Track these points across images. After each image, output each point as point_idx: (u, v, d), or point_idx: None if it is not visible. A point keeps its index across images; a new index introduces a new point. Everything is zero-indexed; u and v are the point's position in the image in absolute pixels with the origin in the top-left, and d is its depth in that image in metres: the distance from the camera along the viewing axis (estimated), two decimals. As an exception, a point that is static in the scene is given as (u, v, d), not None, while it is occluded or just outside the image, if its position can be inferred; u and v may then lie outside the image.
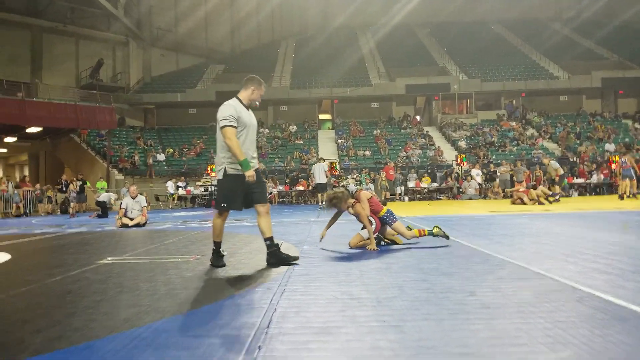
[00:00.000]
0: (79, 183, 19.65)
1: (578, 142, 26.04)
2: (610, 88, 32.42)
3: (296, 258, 4.27)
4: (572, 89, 32.21)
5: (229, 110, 4.06)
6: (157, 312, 2.71)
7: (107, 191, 18.57)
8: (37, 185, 20.71)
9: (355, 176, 21.62)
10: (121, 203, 10.61)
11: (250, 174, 3.92)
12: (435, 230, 5.25)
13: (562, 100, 32.78)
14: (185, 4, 36.92)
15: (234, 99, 4.22)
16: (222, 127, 4.01)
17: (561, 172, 15.01)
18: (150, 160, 24.98)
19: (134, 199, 10.32)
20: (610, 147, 24.65)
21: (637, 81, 31.71)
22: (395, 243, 5.39)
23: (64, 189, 20.16)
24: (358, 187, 19.18)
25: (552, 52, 36.30)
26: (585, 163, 22.22)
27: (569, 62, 34.72)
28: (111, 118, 23.97)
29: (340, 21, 44.73)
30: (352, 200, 5.20)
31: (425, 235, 5.29)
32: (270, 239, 4.15)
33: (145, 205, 10.55)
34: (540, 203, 13.46)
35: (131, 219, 10.09)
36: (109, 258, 5.10)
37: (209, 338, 2.20)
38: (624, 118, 30.56)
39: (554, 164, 15.16)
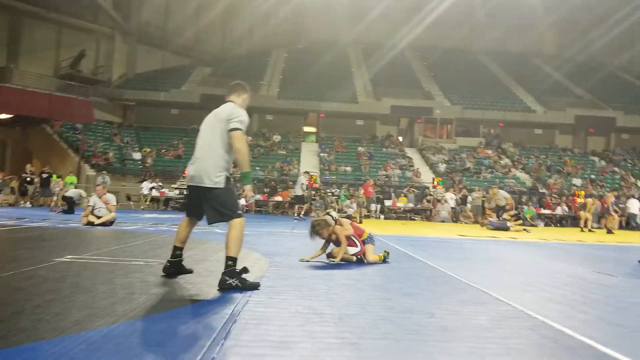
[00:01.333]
0: (45, 176, 19.03)
1: (548, 174, 26.72)
2: (582, 125, 33.45)
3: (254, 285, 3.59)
4: (547, 124, 33.11)
5: (242, 113, 3.75)
6: (110, 316, 2.64)
7: (76, 187, 18.12)
8: (0, 174, 19.99)
9: (333, 191, 21.68)
10: (89, 200, 10.36)
11: (250, 188, 3.72)
12: (384, 255, 5.43)
13: (537, 133, 33.65)
14: (177, 3, 36.62)
15: (232, 104, 3.91)
16: (234, 129, 3.61)
17: (511, 201, 15.87)
18: (150, 161, 24.45)
19: (100, 197, 10.06)
20: (577, 181, 25.40)
21: (607, 121, 32.82)
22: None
23: (30, 179, 19.43)
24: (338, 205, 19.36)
25: (531, 87, 37.30)
26: (553, 195, 22.78)
27: (546, 97, 35.72)
28: (88, 111, 23.36)
29: (333, 36, 44.98)
30: (332, 227, 5.18)
31: (380, 260, 5.37)
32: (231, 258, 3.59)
33: (114, 204, 10.30)
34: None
35: (98, 217, 9.84)
36: (68, 256, 4.93)
37: (161, 347, 2.16)
38: (592, 155, 31.61)
39: (504, 193, 16.28)
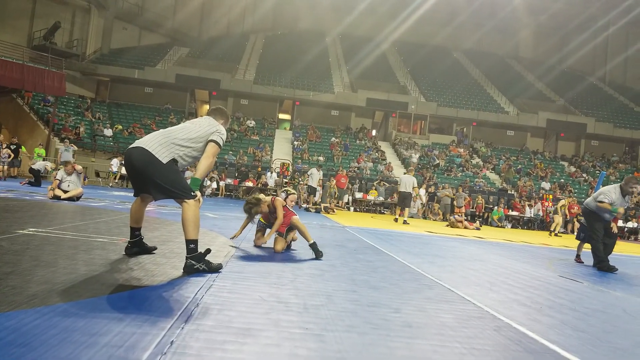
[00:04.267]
0: (13, 147, 18.55)
1: (518, 176, 27.25)
2: (553, 129, 34.36)
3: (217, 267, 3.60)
4: (519, 126, 33.78)
5: (225, 133, 3.87)
6: (70, 293, 2.56)
7: (44, 159, 17.62)
8: None
9: (302, 180, 21.64)
10: (56, 173, 10.09)
11: (199, 194, 3.60)
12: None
13: (509, 135, 34.33)
14: (157, -19, 35.85)
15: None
16: (214, 141, 3.67)
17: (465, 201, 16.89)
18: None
19: (69, 175, 9.84)
20: (546, 185, 25.97)
21: (577, 126, 33.80)
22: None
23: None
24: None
25: (506, 88, 37.99)
26: (523, 197, 23.24)
27: (520, 99, 36.46)
28: (60, 84, 22.81)
29: (311, 25, 44.81)
30: (268, 200, 5.23)
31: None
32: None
33: (81, 174, 10.12)
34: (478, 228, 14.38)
35: (65, 191, 9.61)
36: (30, 229, 4.79)
37: (119, 326, 2.09)
38: (562, 160, 32.40)
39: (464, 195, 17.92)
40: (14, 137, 19.68)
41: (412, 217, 19.84)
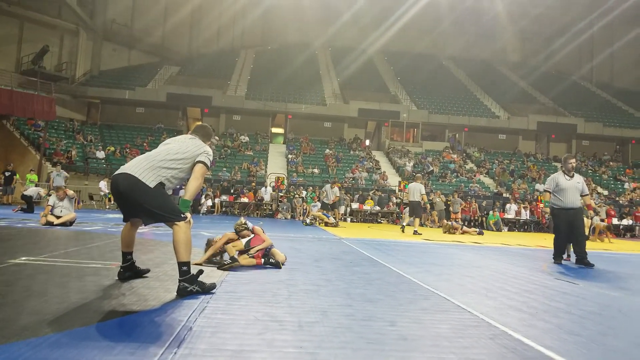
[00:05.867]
0: (8, 174, 18.53)
1: (512, 179, 27.36)
2: (544, 131, 34.68)
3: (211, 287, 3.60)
4: (510, 129, 34.03)
5: (211, 151, 3.84)
6: (61, 323, 2.54)
7: (37, 185, 17.54)
8: None
9: (299, 193, 21.65)
10: (48, 199, 10.05)
11: (189, 216, 3.59)
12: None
13: (501, 139, 34.56)
14: (144, 1, 36.02)
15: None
16: (202, 162, 3.66)
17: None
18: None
19: (61, 200, 9.80)
20: (540, 187, 26.06)
21: (567, 127, 34.17)
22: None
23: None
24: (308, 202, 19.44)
25: (495, 93, 38.35)
26: (518, 201, 23.30)
27: (510, 104, 36.77)
28: (50, 108, 22.81)
29: (300, 38, 45.15)
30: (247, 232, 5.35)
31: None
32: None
33: (73, 199, 10.08)
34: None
35: (57, 217, 9.56)
36: (22, 258, 4.76)
37: (110, 355, 2.07)
38: (555, 161, 32.57)
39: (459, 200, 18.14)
40: (10, 164, 19.60)
41: (409, 224, 19.83)
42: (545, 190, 7.51)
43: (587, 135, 34.36)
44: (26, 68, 27.85)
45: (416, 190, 13.78)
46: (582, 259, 6.93)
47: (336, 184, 18.09)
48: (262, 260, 5.14)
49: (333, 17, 43.90)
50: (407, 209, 19.60)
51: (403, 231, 13.59)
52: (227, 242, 5.19)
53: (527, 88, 41.95)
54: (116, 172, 3.61)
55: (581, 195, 7.24)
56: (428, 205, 19.01)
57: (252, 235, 5.30)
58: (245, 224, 5.39)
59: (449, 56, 47.38)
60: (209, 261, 5.11)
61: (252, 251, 5.10)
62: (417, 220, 13.86)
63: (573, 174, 7.22)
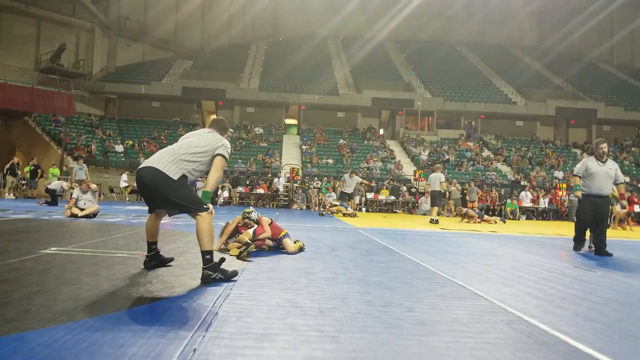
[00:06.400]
0: (31, 168, 18.96)
1: (530, 167, 27.07)
2: (563, 117, 33.96)
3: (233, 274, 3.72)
4: (528, 115, 33.51)
5: (229, 144, 3.97)
6: (95, 308, 2.69)
7: (59, 179, 17.93)
8: None
9: (314, 184, 21.77)
10: (72, 192, 10.30)
11: (211, 207, 3.71)
12: (300, 245, 5.66)
13: (518, 125, 34.07)
14: (157, -3, 36.31)
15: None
16: (221, 155, 3.79)
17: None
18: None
19: (84, 193, 10.04)
20: (559, 174, 25.74)
21: (587, 112, 33.38)
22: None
23: (15, 172, 19.25)
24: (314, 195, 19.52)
25: (512, 79, 37.71)
26: (536, 188, 23.10)
27: (527, 89, 36.17)
28: (70, 105, 23.25)
29: (312, 29, 45.03)
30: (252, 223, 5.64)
31: (298, 250, 5.55)
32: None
33: (96, 192, 10.32)
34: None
35: (81, 209, 9.81)
36: (52, 248, 4.96)
37: (144, 338, 2.20)
38: (574, 147, 32.04)
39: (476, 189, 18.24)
40: (33, 159, 20.08)
41: (425, 214, 19.85)
42: (575, 175, 7.14)
43: (608, 120, 33.57)
44: (45, 66, 28.36)
45: (436, 180, 13.73)
46: (600, 249, 6.72)
47: (353, 172, 18.15)
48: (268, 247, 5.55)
49: (343, 7, 43.64)
50: (428, 199, 19.65)
51: (434, 222, 13.12)
52: (237, 225, 5.60)
53: (546, 73, 41.19)
54: (141, 166, 3.75)
55: (615, 184, 6.93)
56: (448, 192, 18.97)
57: (256, 226, 5.57)
58: (249, 213, 5.65)
59: (461, 41, 46.74)
60: (225, 249, 5.34)
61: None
62: (435, 209, 13.75)
63: (606, 160, 6.85)
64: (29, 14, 29.11)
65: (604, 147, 6.88)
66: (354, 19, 44.25)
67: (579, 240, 7.01)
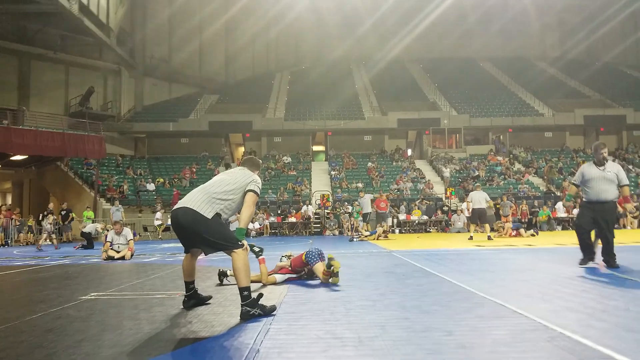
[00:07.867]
0: (63, 213, 19.44)
1: (562, 177, 26.45)
2: (592, 125, 33.25)
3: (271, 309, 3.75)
4: (556, 126, 32.93)
5: (260, 182, 4.06)
6: (139, 354, 2.74)
7: (93, 221, 18.40)
8: (15, 213, 20.15)
9: (345, 209, 21.73)
10: (106, 235, 10.55)
11: (246, 243, 3.78)
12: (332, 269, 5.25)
13: (547, 137, 33.45)
14: (180, 34, 37.46)
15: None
16: (252, 190, 3.88)
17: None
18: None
19: (118, 234, 10.25)
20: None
21: (616, 119, 32.66)
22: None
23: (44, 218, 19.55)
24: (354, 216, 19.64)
25: (537, 90, 37.26)
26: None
27: (554, 100, 35.64)
28: (100, 147, 23.86)
29: (335, 55, 45.67)
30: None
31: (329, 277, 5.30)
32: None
33: (132, 238, 10.44)
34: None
35: (117, 252, 10.02)
36: (92, 293, 5.08)
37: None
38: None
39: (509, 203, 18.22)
40: (63, 203, 20.62)
41: (459, 231, 19.55)
42: (571, 183, 6.74)
43: (638, 125, 32.79)
44: (74, 110, 29.35)
45: (481, 198, 14.09)
46: (608, 262, 6.10)
47: (362, 192, 18.81)
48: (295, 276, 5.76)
49: (363, 30, 44.19)
50: (461, 216, 19.37)
51: (490, 239, 13.51)
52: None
53: (571, 83, 40.57)
54: (175, 207, 3.87)
55: (619, 186, 6.41)
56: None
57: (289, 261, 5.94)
58: (286, 256, 6.17)
59: (486, 58, 46.60)
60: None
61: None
62: (487, 226, 14.39)
63: (604, 164, 6.39)
64: (58, 60, 30.34)
65: (605, 152, 6.48)
66: (374, 42, 44.85)
67: (583, 252, 6.42)
